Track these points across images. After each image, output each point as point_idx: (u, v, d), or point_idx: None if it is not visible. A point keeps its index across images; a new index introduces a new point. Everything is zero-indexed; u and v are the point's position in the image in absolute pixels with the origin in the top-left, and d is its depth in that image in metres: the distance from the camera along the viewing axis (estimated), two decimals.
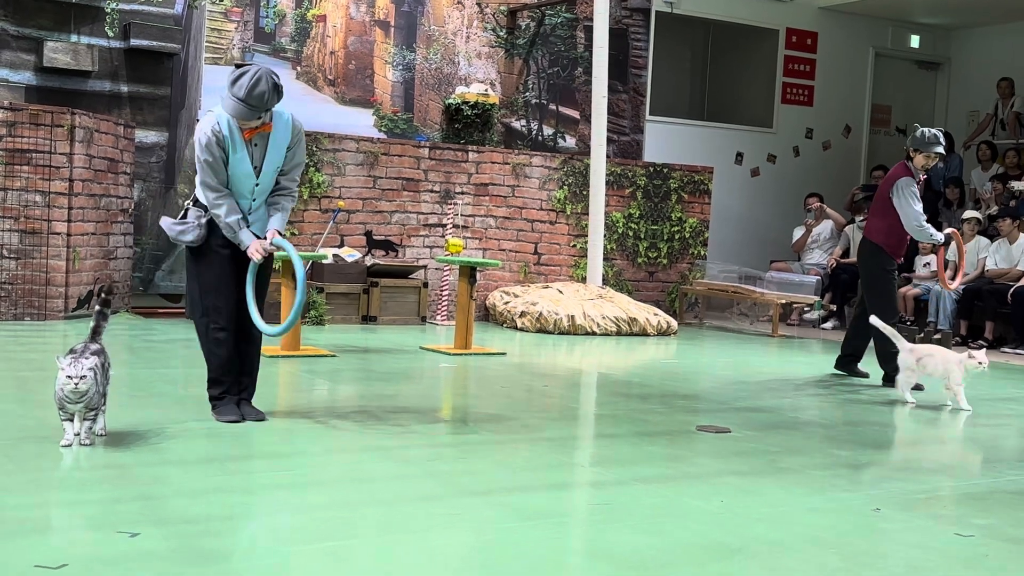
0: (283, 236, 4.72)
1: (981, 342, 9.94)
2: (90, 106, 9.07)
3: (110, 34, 9.44)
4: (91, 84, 9.38)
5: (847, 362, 7.42)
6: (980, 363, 6.08)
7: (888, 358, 6.79)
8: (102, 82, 9.41)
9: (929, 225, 6.93)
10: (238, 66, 4.60)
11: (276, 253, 4.82)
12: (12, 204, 8.09)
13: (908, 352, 6.33)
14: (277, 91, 4.46)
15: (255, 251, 4.58)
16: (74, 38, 9.31)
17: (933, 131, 6.88)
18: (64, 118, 8.24)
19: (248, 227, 4.64)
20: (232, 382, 4.81)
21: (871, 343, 7.09)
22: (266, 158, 4.61)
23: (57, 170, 8.22)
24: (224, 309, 4.72)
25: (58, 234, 8.24)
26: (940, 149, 6.82)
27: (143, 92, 9.58)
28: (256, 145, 4.58)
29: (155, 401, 5.52)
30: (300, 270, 4.63)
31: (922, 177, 6.93)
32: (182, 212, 4.79)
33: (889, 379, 6.84)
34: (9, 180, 8.08)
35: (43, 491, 3.51)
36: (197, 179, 4.68)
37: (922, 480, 4.33)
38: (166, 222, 4.78)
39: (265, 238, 4.67)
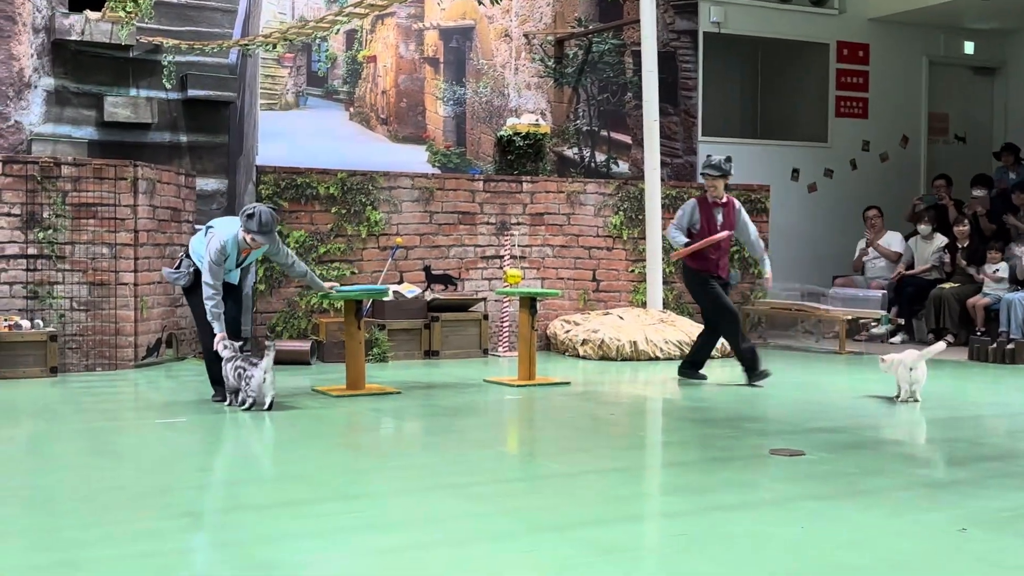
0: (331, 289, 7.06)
1: None
2: (151, 157, 9.26)
3: (168, 86, 9.64)
4: (151, 136, 9.58)
5: (689, 367, 8.00)
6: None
7: (740, 352, 7.70)
8: (162, 133, 9.60)
9: (675, 232, 7.74)
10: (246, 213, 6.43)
11: (333, 293, 7.08)
12: (80, 257, 8.27)
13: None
14: (274, 217, 6.40)
15: (222, 339, 6.30)
16: (133, 92, 9.52)
17: (715, 157, 7.86)
18: (127, 171, 8.41)
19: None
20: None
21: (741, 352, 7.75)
22: (247, 259, 6.69)
23: (122, 222, 8.38)
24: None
25: (125, 284, 8.39)
26: (707, 171, 7.79)
27: (202, 141, 9.76)
28: (245, 254, 6.57)
29: (227, 447, 5.57)
30: None
31: (719, 199, 7.75)
32: (178, 262, 6.67)
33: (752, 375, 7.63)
34: (76, 234, 8.26)
35: (123, 543, 3.55)
36: (195, 248, 6.55)
37: (1008, 497, 4.20)
38: (166, 271, 6.76)
39: (241, 282, 6.79)
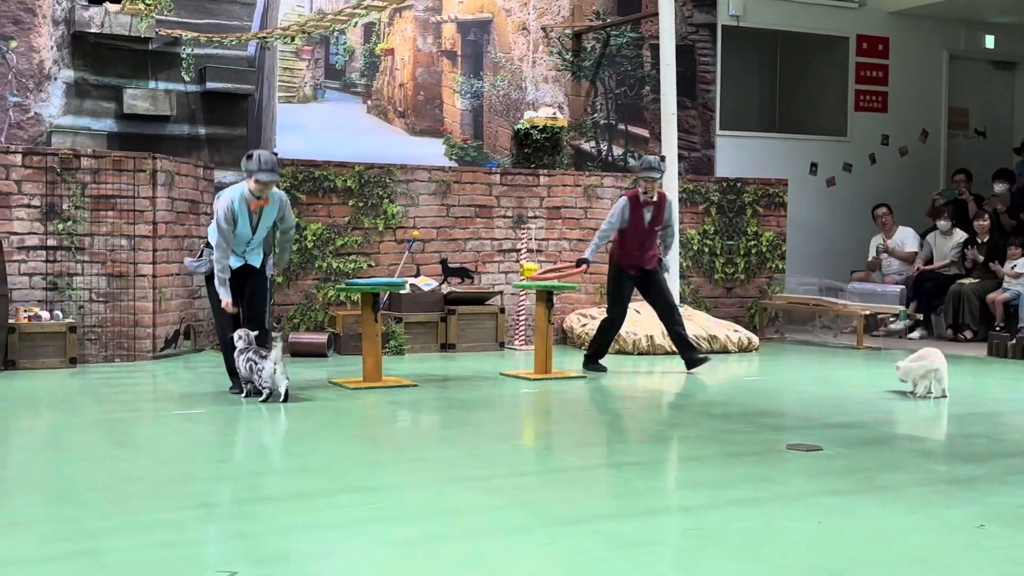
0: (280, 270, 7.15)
1: None
2: (170, 150, 9.30)
3: (186, 79, 9.68)
4: (170, 128, 9.62)
5: (687, 354, 8.09)
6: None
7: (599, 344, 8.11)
8: (180, 126, 9.65)
9: (595, 244, 7.91)
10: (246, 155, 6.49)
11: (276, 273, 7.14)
12: (99, 249, 8.32)
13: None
14: (273, 157, 6.42)
15: (228, 305, 6.38)
16: (152, 84, 9.57)
17: (650, 158, 7.91)
18: (146, 163, 8.45)
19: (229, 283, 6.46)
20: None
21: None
22: (260, 223, 6.54)
23: (141, 214, 8.43)
24: (231, 318, 6.53)
25: (144, 276, 8.44)
26: (649, 174, 7.70)
27: (220, 134, 9.80)
28: (256, 214, 6.46)
29: (244, 438, 5.60)
30: None
31: (651, 198, 7.76)
32: (199, 252, 6.87)
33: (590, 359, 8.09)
34: (95, 226, 8.30)
35: (142, 533, 3.57)
36: (213, 234, 6.48)
37: None
38: (188, 261, 6.91)
39: (262, 265, 6.66)
